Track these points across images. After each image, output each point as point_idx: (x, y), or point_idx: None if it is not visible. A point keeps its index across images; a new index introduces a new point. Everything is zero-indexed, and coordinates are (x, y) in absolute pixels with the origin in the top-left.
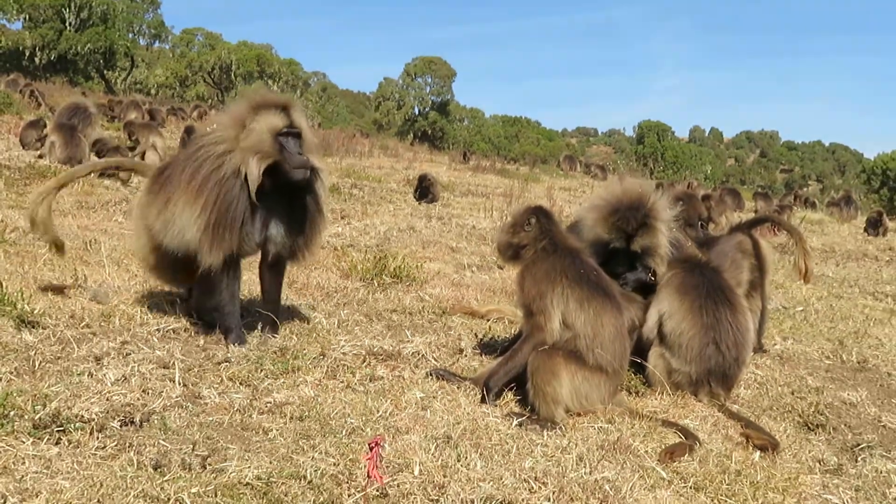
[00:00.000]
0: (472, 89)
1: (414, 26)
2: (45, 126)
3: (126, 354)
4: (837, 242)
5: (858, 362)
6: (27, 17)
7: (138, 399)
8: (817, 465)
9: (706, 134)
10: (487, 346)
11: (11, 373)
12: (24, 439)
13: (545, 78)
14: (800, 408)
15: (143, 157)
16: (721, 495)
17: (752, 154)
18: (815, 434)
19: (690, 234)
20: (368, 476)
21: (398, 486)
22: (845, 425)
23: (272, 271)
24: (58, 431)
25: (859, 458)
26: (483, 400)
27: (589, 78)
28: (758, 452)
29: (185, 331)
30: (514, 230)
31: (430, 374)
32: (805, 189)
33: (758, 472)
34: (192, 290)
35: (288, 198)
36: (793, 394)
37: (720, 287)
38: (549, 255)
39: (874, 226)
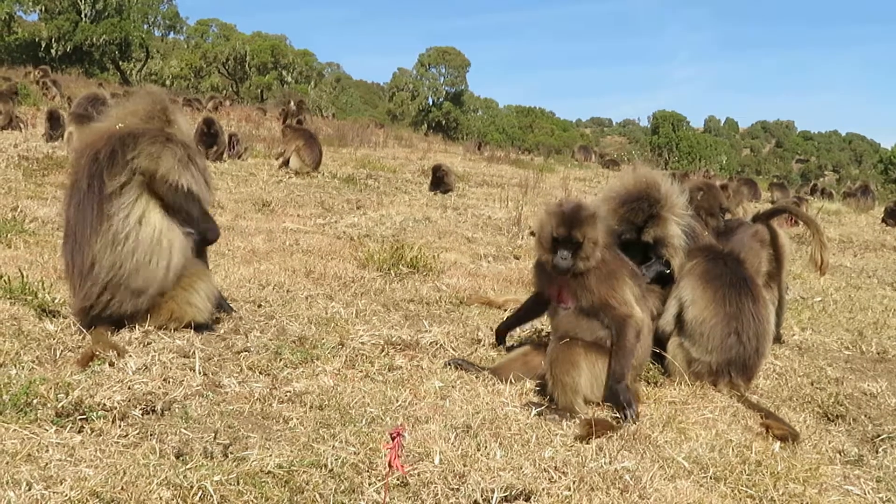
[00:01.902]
0: (486, 79)
1: (428, 16)
2: (58, 117)
3: (146, 344)
4: (855, 233)
5: (878, 353)
6: (43, 8)
7: (159, 388)
8: (838, 455)
9: (721, 124)
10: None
11: (33, 361)
12: (47, 427)
13: (559, 68)
14: (819, 398)
15: None
16: (741, 486)
17: (768, 144)
18: (835, 425)
19: (711, 224)
20: (389, 465)
21: (419, 475)
22: (865, 416)
23: None
24: (80, 419)
25: (880, 449)
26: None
27: (603, 68)
28: (778, 443)
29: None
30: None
31: (449, 364)
32: (822, 179)
33: (778, 463)
34: None
35: None
36: (812, 384)
37: (743, 277)
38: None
39: (892, 216)
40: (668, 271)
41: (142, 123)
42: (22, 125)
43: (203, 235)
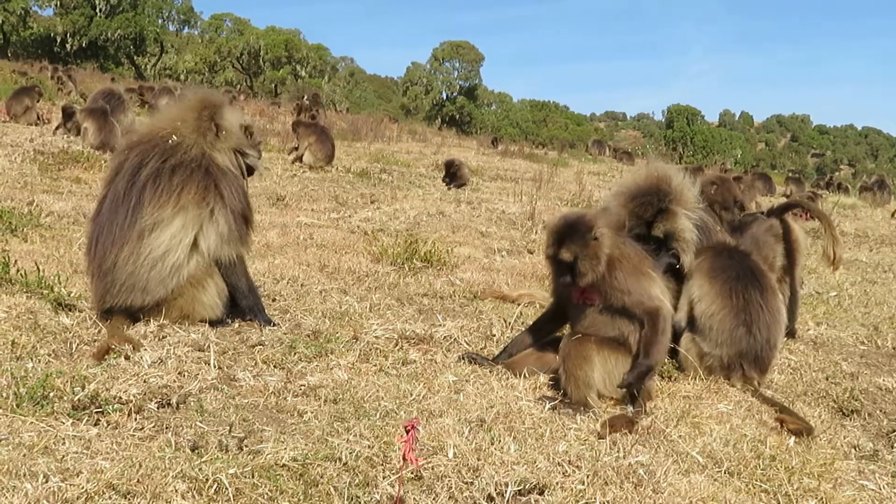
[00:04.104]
0: (499, 74)
1: (442, 10)
2: (72, 112)
3: (161, 337)
4: (871, 227)
5: (893, 348)
6: (58, 3)
7: (175, 381)
8: (853, 450)
9: (736, 118)
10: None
11: (50, 355)
12: (63, 420)
13: (573, 62)
14: (834, 393)
15: None
16: (755, 480)
17: (783, 138)
18: (850, 420)
19: (727, 217)
20: (404, 459)
21: (433, 468)
22: (881, 411)
23: None
24: (96, 412)
25: (895, 445)
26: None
27: (617, 62)
28: (792, 438)
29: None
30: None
31: (463, 358)
32: (837, 173)
33: (792, 458)
34: None
35: None
36: (827, 379)
37: (750, 269)
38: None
39: None
40: (678, 265)
41: (192, 134)
42: (45, 121)
43: (238, 303)
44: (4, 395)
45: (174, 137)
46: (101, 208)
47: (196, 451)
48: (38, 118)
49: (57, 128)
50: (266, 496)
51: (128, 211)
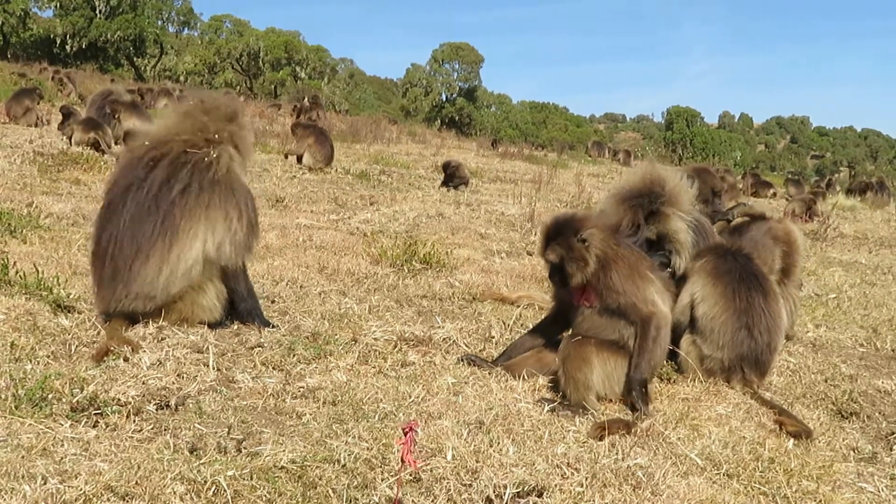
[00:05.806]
0: (499, 75)
1: (441, 12)
2: (72, 114)
3: (160, 339)
4: (870, 229)
5: (893, 350)
6: (58, 4)
7: (173, 383)
8: (851, 453)
9: (736, 119)
10: (518, 333)
11: (49, 356)
12: (62, 422)
13: (573, 63)
14: (833, 395)
15: None
16: (754, 483)
17: (783, 140)
18: (849, 422)
19: (704, 211)
20: (402, 461)
21: (431, 470)
22: (880, 413)
23: None
24: (95, 414)
25: (894, 447)
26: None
27: (617, 63)
28: (791, 440)
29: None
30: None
31: (462, 360)
32: (836, 175)
33: (791, 460)
34: None
35: None
36: (826, 381)
37: (753, 272)
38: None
39: None
40: (669, 268)
41: (220, 144)
42: (45, 122)
43: (236, 306)
44: (3, 396)
45: (211, 153)
46: (121, 216)
47: (195, 453)
48: (38, 119)
49: (59, 126)
50: (264, 498)
51: (156, 223)
